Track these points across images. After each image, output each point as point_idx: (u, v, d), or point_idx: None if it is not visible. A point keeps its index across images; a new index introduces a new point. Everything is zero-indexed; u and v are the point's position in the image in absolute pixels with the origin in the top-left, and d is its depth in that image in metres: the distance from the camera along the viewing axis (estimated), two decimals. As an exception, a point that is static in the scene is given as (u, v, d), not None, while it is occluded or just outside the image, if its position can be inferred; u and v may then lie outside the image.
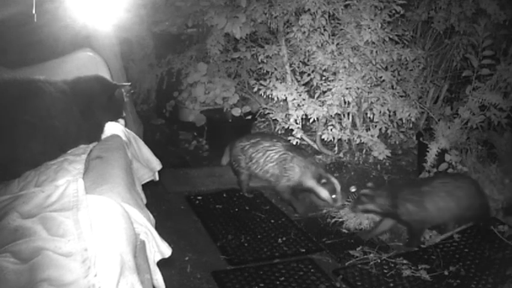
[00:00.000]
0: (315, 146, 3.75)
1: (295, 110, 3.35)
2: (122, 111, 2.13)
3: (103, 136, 2.01)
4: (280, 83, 3.44)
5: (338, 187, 2.90)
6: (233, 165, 3.31)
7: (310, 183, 2.94)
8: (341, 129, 3.44)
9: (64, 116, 1.80)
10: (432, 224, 2.76)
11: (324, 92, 3.36)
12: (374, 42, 3.12)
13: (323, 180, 2.89)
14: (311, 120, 3.37)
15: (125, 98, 2.13)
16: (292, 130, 3.41)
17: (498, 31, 3.33)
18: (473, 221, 2.84)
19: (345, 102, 3.34)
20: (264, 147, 3.12)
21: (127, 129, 2.20)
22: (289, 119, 3.43)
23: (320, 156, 3.75)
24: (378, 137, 3.37)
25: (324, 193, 2.90)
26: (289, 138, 3.41)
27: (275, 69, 3.60)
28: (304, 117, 3.37)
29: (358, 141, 3.42)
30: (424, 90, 3.63)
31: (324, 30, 3.26)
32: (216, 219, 2.99)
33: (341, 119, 3.52)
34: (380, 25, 3.09)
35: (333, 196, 2.89)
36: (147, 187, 2.11)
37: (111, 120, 2.08)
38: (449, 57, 3.67)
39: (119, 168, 1.71)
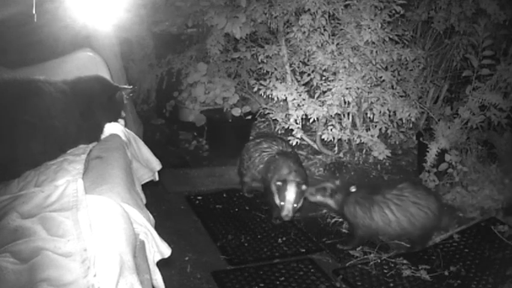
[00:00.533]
0: (315, 146, 3.75)
1: (295, 110, 3.35)
2: (121, 112, 2.13)
3: (103, 136, 2.01)
4: (280, 83, 3.44)
5: (292, 196, 2.64)
6: (238, 164, 3.27)
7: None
8: (341, 129, 3.45)
9: (63, 116, 1.79)
10: (378, 235, 2.64)
11: (324, 92, 3.36)
12: (374, 42, 3.12)
13: (278, 183, 2.68)
14: (311, 120, 3.37)
15: (125, 100, 2.13)
16: (292, 130, 3.41)
17: (498, 31, 3.34)
18: (411, 244, 2.67)
19: (345, 102, 3.34)
20: (261, 148, 3.07)
21: (127, 129, 2.20)
22: (289, 119, 3.43)
23: (319, 156, 3.75)
24: (378, 137, 3.37)
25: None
26: (289, 138, 3.41)
27: (275, 69, 3.60)
28: (304, 117, 3.37)
29: (358, 141, 3.42)
30: (424, 90, 3.63)
31: (324, 30, 3.26)
32: (216, 219, 2.99)
33: (341, 119, 3.52)
34: (380, 25, 3.09)
35: (281, 203, 2.67)
36: (147, 187, 2.11)
37: (110, 121, 2.08)
38: (449, 57, 3.67)
39: (118, 168, 1.71)
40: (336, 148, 3.69)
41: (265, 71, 3.64)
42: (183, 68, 4.19)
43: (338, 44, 3.27)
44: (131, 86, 2.22)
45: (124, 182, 1.63)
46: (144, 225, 1.56)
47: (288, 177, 2.74)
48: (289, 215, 2.67)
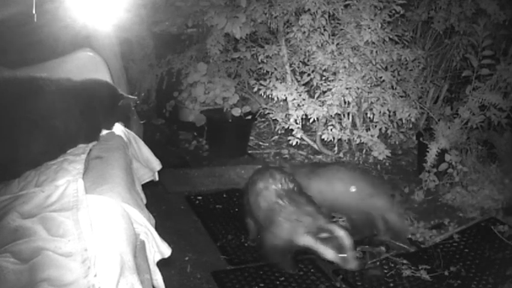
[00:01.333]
0: (315, 146, 3.76)
1: (295, 110, 3.35)
2: (129, 118, 2.14)
3: (102, 135, 2.01)
4: (280, 83, 3.44)
5: (347, 240, 2.14)
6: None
7: (306, 240, 2.20)
8: (341, 129, 3.45)
9: (64, 116, 1.80)
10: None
11: (324, 92, 3.36)
12: (374, 42, 3.13)
13: (324, 235, 2.15)
14: (311, 120, 3.37)
15: (132, 107, 2.15)
16: (292, 130, 3.41)
17: (498, 31, 3.34)
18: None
19: (345, 102, 3.34)
20: (258, 188, 2.43)
21: (127, 129, 2.20)
22: (289, 119, 3.43)
23: (320, 156, 3.75)
24: (378, 137, 3.37)
25: (328, 253, 2.16)
26: (289, 138, 3.41)
27: (275, 69, 3.60)
28: (304, 117, 3.37)
29: (358, 141, 3.42)
30: (424, 90, 3.63)
31: (324, 30, 3.26)
32: (216, 219, 2.99)
33: (341, 119, 3.53)
34: (380, 25, 3.09)
35: (342, 255, 2.15)
36: (147, 187, 2.11)
37: (110, 127, 2.08)
38: (449, 57, 3.67)
39: (119, 168, 1.71)
40: (336, 148, 3.69)
41: (265, 71, 3.64)
42: (183, 68, 4.19)
43: (338, 44, 3.27)
44: (135, 97, 2.23)
45: (125, 182, 1.63)
46: (144, 225, 1.56)
47: (324, 223, 2.20)
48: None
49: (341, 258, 2.14)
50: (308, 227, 2.17)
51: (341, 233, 2.15)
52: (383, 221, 2.61)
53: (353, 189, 2.93)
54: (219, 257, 2.60)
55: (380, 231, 2.63)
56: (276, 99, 3.42)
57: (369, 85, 3.30)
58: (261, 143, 4.18)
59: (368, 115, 3.43)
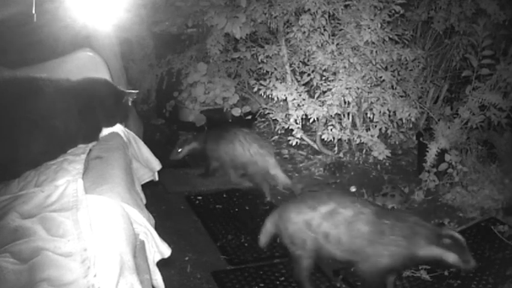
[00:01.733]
0: (315, 146, 3.75)
1: (295, 110, 3.35)
2: (128, 115, 2.14)
3: (102, 135, 2.01)
4: (280, 83, 3.44)
5: (464, 242, 2.13)
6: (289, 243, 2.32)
7: (432, 250, 2.10)
8: (341, 129, 3.45)
9: (64, 116, 1.80)
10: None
11: (324, 92, 3.36)
12: (373, 42, 3.12)
13: (446, 241, 2.10)
14: (311, 120, 3.37)
15: (130, 103, 2.13)
16: (292, 130, 3.41)
17: (498, 31, 3.33)
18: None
19: (345, 102, 3.34)
20: (344, 218, 2.18)
21: (127, 129, 2.20)
22: (289, 119, 3.43)
23: (320, 156, 3.75)
24: (378, 137, 3.37)
25: (451, 257, 2.10)
26: (289, 138, 3.41)
27: (275, 69, 3.60)
28: (304, 117, 3.37)
29: (358, 141, 3.42)
30: (424, 90, 3.63)
31: (324, 30, 3.26)
32: (216, 219, 2.99)
33: (341, 119, 3.52)
34: (379, 25, 3.09)
35: (463, 258, 2.11)
36: (147, 187, 2.11)
37: (113, 125, 2.08)
38: (449, 57, 3.67)
39: (118, 169, 1.71)
40: (336, 148, 3.69)
41: (265, 71, 3.64)
42: (183, 68, 4.19)
43: (338, 44, 3.27)
44: (136, 91, 2.21)
45: (124, 182, 1.64)
46: (144, 225, 1.56)
47: (439, 230, 2.16)
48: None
49: (463, 260, 2.09)
50: (428, 238, 2.10)
51: (457, 236, 2.13)
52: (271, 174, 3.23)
53: (353, 189, 2.98)
54: (219, 257, 2.60)
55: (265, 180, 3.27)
56: (276, 99, 3.42)
57: (369, 85, 3.30)
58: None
59: (368, 115, 3.43)
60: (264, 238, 2.40)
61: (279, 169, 3.22)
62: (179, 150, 3.44)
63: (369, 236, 2.12)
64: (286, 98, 3.38)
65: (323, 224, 2.17)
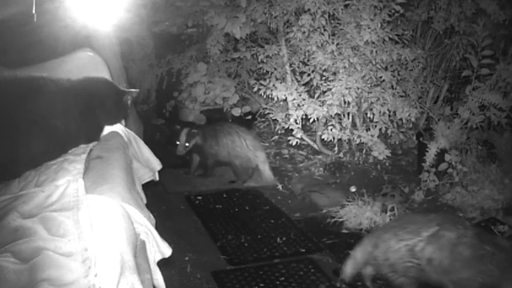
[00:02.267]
0: (315, 146, 3.76)
1: (295, 110, 3.35)
2: (127, 115, 2.13)
3: (102, 134, 2.01)
4: (280, 83, 3.44)
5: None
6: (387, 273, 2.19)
7: None
8: (341, 129, 3.45)
9: (64, 115, 1.79)
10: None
11: (324, 92, 3.36)
12: (373, 42, 3.13)
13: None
14: (311, 120, 3.37)
15: (129, 102, 2.13)
16: (292, 130, 3.42)
17: (497, 31, 3.34)
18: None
19: (345, 102, 3.35)
20: (447, 241, 2.06)
21: (127, 129, 2.20)
22: (289, 119, 3.43)
23: (320, 156, 3.75)
24: (378, 137, 3.37)
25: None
26: (289, 138, 3.41)
27: (275, 69, 3.60)
28: (304, 117, 3.38)
29: (358, 141, 3.42)
30: (424, 90, 3.63)
31: (324, 30, 3.27)
32: (216, 219, 2.99)
33: (341, 119, 3.53)
34: (379, 25, 3.09)
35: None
36: (147, 187, 2.11)
37: (114, 124, 2.08)
38: (449, 57, 3.67)
39: (119, 168, 1.71)
40: (336, 148, 3.69)
41: (265, 71, 3.64)
42: (183, 68, 4.19)
43: (338, 44, 3.27)
44: (137, 90, 2.21)
45: (125, 181, 1.63)
46: (145, 225, 1.56)
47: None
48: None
49: None
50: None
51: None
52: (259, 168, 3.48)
53: (353, 189, 2.98)
54: (219, 257, 2.60)
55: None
56: (276, 99, 3.42)
57: (369, 85, 3.30)
58: (261, 143, 4.17)
59: (368, 115, 3.43)
60: (350, 270, 2.27)
61: (267, 165, 3.47)
62: (187, 144, 3.39)
63: (469, 260, 2.02)
64: (286, 98, 3.38)
65: (426, 249, 2.07)
